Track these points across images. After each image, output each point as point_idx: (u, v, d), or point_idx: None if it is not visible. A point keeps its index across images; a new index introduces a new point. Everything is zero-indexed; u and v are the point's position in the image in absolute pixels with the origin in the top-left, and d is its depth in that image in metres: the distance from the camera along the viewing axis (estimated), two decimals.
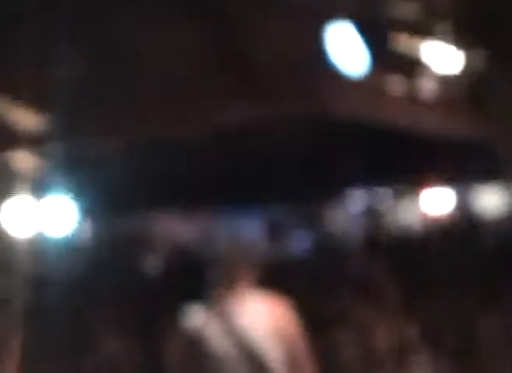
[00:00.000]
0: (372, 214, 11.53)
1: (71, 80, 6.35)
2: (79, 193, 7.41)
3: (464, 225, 10.93)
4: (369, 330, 6.75)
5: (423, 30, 6.11)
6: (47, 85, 6.34)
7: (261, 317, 3.88)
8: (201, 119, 6.69)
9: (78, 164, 7.13)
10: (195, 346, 3.88)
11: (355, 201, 11.34)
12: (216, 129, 6.94)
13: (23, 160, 6.98)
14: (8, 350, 6.70)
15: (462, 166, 8.72)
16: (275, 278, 4.29)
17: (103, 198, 8.15)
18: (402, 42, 6.14)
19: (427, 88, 6.50)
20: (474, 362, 5.92)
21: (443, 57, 6.18)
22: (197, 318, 3.94)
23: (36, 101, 6.57)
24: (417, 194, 10.79)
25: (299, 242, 11.39)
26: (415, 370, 6.19)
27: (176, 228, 11.72)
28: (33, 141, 6.85)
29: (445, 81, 6.43)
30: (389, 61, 6.19)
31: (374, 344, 6.59)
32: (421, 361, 6.26)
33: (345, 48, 5.95)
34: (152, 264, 10.85)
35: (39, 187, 7.06)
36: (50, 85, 6.34)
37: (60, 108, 6.52)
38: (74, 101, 6.39)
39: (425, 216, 11.01)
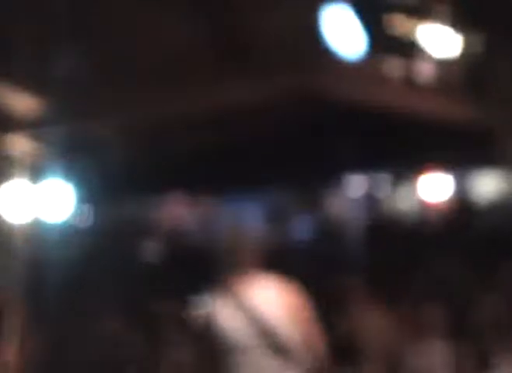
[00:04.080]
0: (370, 200, 11.53)
1: (69, 64, 6.34)
2: (77, 178, 7.39)
3: (462, 212, 10.93)
4: (366, 314, 6.77)
5: (421, 13, 6.09)
6: (45, 69, 6.34)
7: (272, 299, 3.89)
8: (199, 100, 6.68)
9: (76, 148, 7.11)
10: (210, 332, 3.87)
11: (354, 187, 11.32)
12: (215, 112, 6.92)
13: (20, 144, 6.97)
14: (9, 333, 6.73)
15: (460, 152, 8.69)
16: (277, 262, 4.29)
17: (102, 183, 8.11)
18: (400, 25, 6.12)
19: (425, 71, 6.49)
20: (471, 342, 5.95)
21: (440, 40, 6.16)
22: (209, 303, 3.95)
23: (34, 85, 6.55)
24: (415, 180, 10.77)
25: (298, 227, 11.41)
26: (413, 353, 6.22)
27: (177, 214, 11.69)
28: (30, 125, 6.84)
29: (443, 64, 6.42)
30: (386, 43, 6.18)
31: (370, 329, 6.62)
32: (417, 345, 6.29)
33: (343, 31, 5.93)
34: (153, 250, 10.84)
35: (36, 171, 7.04)
36: (47, 69, 6.33)
37: (57, 92, 6.51)
38: (71, 84, 6.39)
39: (422, 202, 11.01)
